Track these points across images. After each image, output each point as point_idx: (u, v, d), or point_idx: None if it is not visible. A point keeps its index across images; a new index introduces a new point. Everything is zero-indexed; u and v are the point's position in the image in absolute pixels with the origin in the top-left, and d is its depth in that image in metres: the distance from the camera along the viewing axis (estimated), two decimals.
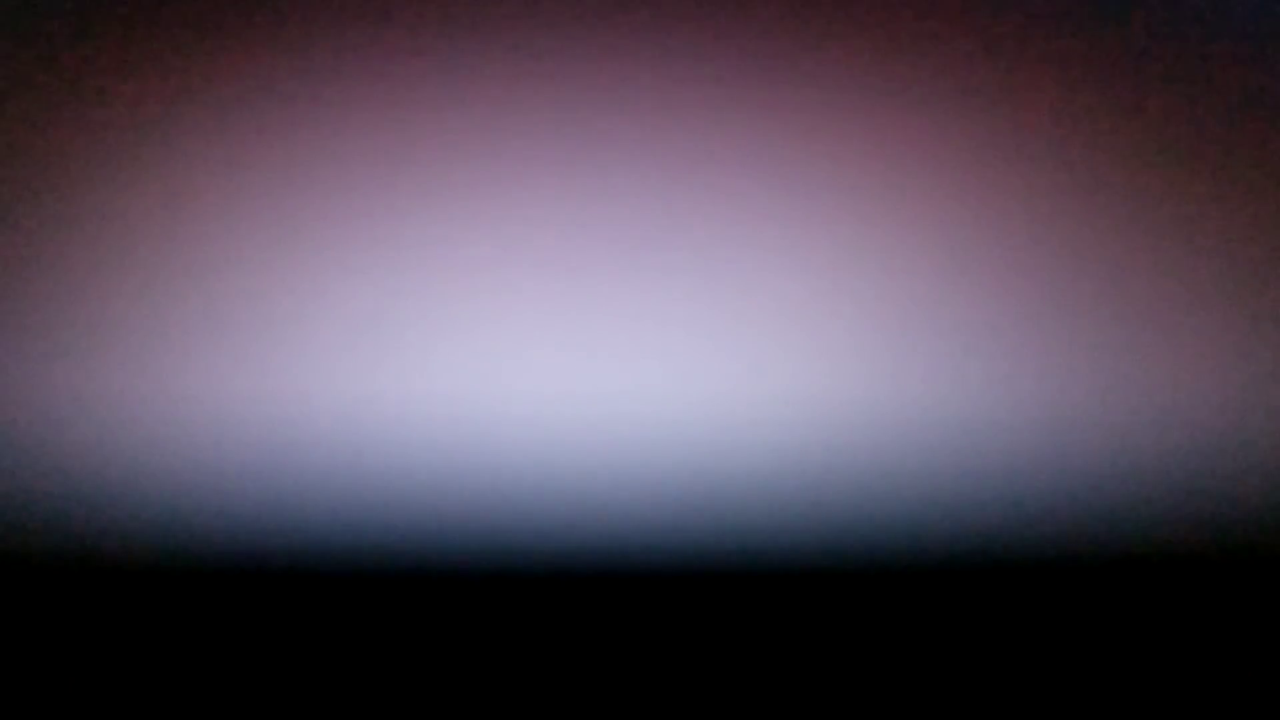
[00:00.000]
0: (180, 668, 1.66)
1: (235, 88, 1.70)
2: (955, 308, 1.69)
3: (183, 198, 1.69)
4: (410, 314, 1.69)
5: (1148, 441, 1.68)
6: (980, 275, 1.70)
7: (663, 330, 1.69)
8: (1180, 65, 1.71)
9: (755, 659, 1.67)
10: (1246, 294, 1.70)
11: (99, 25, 1.70)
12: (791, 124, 1.70)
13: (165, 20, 1.70)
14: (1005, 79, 1.71)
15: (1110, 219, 1.71)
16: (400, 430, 1.67)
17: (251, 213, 1.69)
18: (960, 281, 1.70)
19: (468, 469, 1.67)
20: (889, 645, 1.67)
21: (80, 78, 1.70)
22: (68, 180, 1.69)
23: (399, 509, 1.67)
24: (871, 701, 1.66)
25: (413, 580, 1.67)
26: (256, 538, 1.66)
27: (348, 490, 1.67)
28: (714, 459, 1.68)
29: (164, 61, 1.70)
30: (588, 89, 1.70)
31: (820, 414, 1.68)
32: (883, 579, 1.67)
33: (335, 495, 1.67)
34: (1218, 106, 1.72)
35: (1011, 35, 1.71)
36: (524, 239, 1.69)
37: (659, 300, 1.69)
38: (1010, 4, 1.71)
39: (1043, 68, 1.71)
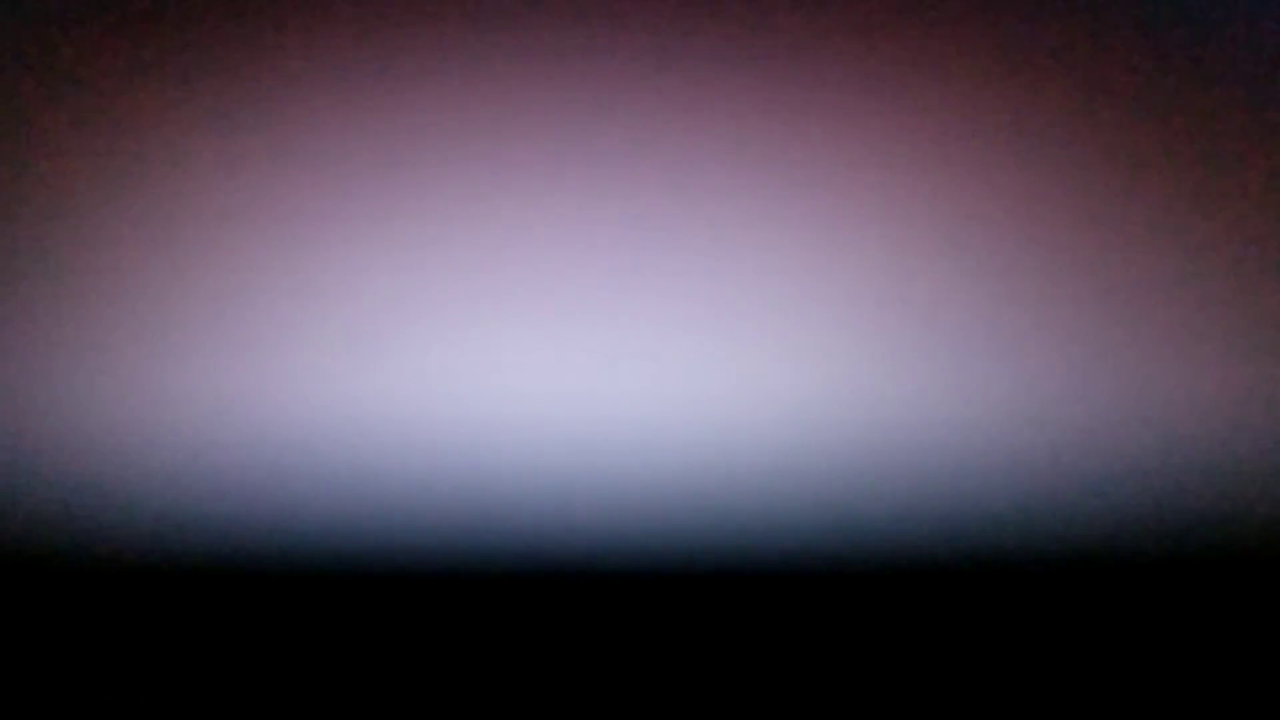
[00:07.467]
0: (179, 667, 1.66)
1: (235, 89, 1.70)
2: (954, 308, 1.69)
3: (181, 198, 1.70)
4: (408, 314, 1.69)
5: (1147, 441, 1.68)
6: (980, 276, 1.70)
7: (661, 331, 1.69)
8: (1181, 64, 1.71)
9: (753, 659, 1.67)
10: (1248, 294, 1.70)
11: (99, 26, 1.70)
12: (790, 125, 1.70)
13: (165, 21, 1.70)
14: (1005, 79, 1.71)
15: (1110, 218, 1.70)
16: (398, 430, 1.67)
17: (251, 213, 1.70)
18: (959, 282, 1.69)
19: (465, 469, 1.67)
20: (889, 645, 1.67)
21: (80, 79, 1.70)
22: (67, 181, 1.70)
23: (397, 508, 1.67)
24: (871, 701, 1.66)
25: (411, 580, 1.67)
26: (254, 537, 1.67)
27: (346, 490, 1.67)
28: (713, 459, 1.68)
29: (164, 62, 1.70)
30: (584, 91, 1.70)
31: (818, 415, 1.68)
32: (882, 579, 1.67)
33: (333, 495, 1.67)
34: (1220, 106, 1.71)
35: (1011, 34, 1.71)
36: (522, 240, 1.69)
37: (657, 300, 1.69)
38: (1012, 2, 1.71)
39: (1042, 67, 1.71)
